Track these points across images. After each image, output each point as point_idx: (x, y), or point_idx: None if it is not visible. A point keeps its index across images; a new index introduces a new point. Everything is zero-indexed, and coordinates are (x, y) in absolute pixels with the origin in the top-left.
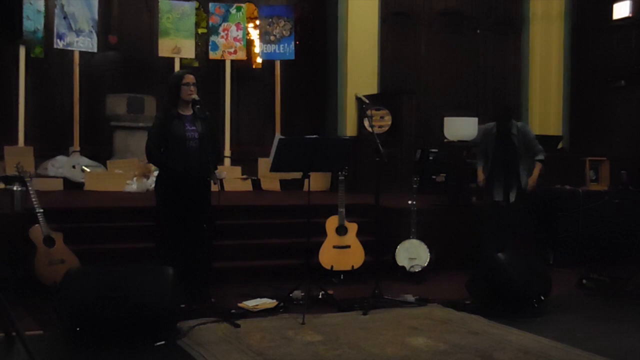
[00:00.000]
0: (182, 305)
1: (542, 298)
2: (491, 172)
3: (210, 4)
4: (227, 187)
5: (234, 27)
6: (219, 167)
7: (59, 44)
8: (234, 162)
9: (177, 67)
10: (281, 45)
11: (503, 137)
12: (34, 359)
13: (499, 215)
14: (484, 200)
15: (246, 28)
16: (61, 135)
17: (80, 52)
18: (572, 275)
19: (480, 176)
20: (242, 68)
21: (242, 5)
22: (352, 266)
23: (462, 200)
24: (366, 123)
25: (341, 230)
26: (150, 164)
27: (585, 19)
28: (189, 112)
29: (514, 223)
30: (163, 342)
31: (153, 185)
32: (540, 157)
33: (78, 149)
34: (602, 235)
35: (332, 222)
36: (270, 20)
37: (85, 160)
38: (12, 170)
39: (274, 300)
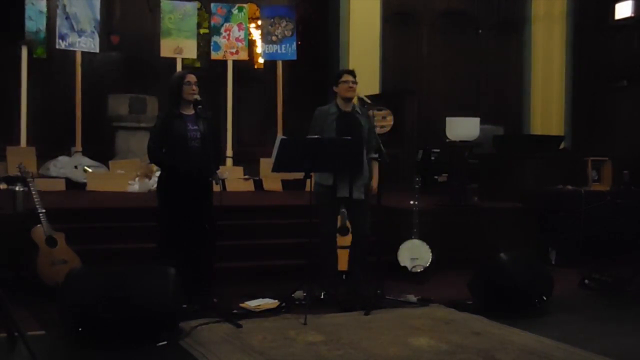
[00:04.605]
0: (184, 306)
1: (544, 298)
2: None
3: (212, 5)
4: (229, 187)
5: (235, 28)
6: (220, 167)
7: (61, 44)
8: (235, 163)
9: (179, 68)
10: (283, 46)
11: (346, 117)
12: (36, 359)
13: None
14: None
15: (248, 28)
16: (63, 136)
17: (82, 53)
18: (575, 275)
19: None
20: (244, 68)
21: (244, 5)
22: None
23: (464, 201)
24: None
25: (343, 231)
26: (152, 164)
27: (587, 19)
28: (191, 112)
29: (360, 223)
30: (165, 343)
31: (155, 185)
32: (374, 154)
33: (80, 149)
34: (605, 235)
35: None
36: (272, 20)
37: (87, 160)
38: (14, 171)
39: (276, 301)
